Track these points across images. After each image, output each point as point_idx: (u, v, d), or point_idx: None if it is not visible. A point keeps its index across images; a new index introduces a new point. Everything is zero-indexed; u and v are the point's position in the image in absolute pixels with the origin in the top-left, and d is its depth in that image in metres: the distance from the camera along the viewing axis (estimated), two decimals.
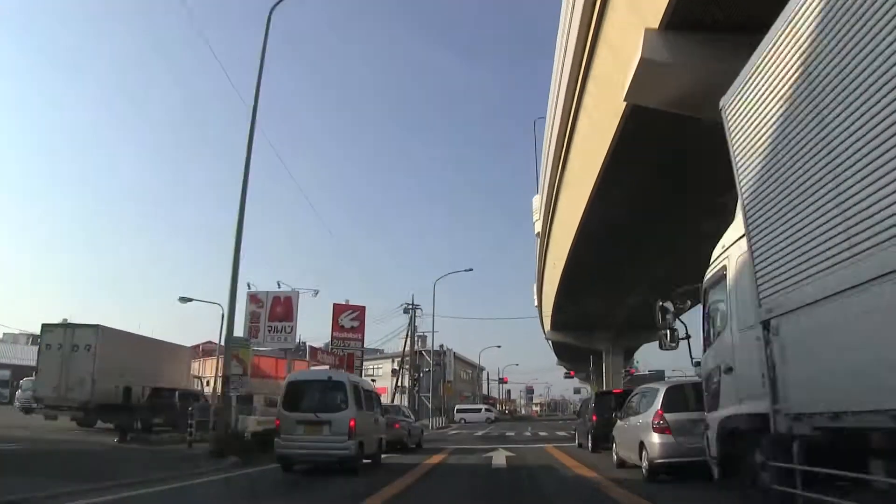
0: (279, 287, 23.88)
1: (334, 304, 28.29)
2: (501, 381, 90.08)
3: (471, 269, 63.96)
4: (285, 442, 10.88)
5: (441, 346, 63.29)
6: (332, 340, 28.02)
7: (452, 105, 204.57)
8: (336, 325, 27.83)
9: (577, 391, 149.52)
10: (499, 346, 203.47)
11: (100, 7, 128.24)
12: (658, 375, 57.92)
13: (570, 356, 77.54)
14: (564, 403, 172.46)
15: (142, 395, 20.09)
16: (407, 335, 42.83)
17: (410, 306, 40.78)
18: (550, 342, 72.32)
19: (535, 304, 64.44)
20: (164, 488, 8.90)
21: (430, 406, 57.41)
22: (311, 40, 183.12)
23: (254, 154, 14.91)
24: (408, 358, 43.35)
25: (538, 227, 44.28)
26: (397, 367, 46.91)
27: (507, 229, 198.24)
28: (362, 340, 29.34)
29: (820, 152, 4.59)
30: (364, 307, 29.32)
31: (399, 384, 45.81)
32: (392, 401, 48.61)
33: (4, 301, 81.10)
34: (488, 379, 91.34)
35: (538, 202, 41.52)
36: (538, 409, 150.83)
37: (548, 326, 59.45)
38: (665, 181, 20.78)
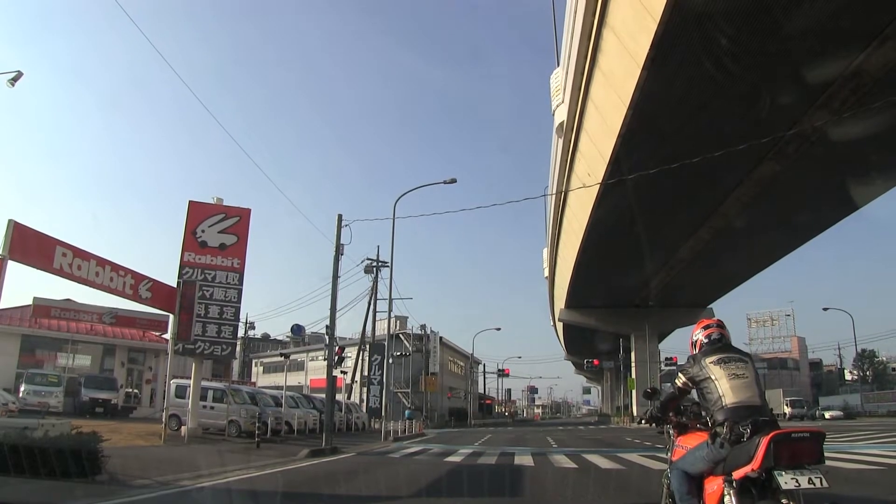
0: None
1: (191, 203, 17.61)
2: (502, 373, 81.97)
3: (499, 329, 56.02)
4: None
5: (424, 326, 55.46)
6: (181, 267, 17.16)
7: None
8: (191, 241, 17.40)
9: (586, 391, 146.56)
10: (498, 329, 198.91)
11: None
12: None
13: (584, 347, 70.48)
14: (567, 406, 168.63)
15: None
16: (368, 305, 35.05)
17: (374, 263, 32.93)
18: (561, 329, 65.15)
19: (546, 274, 57.12)
20: None
21: (408, 405, 49.92)
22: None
23: None
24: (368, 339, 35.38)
25: (553, 177, 36.76)
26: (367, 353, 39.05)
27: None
28: (241, 270, 17.95)
29: None
30: (248, 211, 18.34)
31: (362, 373, 38.20)
32: (349, 395, 41.32)
33: None
34: (485, 372, 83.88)
35: (556, 142, 33.93)
36: (540, 411, 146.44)
37: (561, 304, 52.05)
38: None
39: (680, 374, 4.25)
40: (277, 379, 48.76)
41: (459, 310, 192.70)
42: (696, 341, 4.32)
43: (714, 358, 3.96)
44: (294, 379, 57.46)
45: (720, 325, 4.32)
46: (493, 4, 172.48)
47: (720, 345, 4.15)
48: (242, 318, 45.78)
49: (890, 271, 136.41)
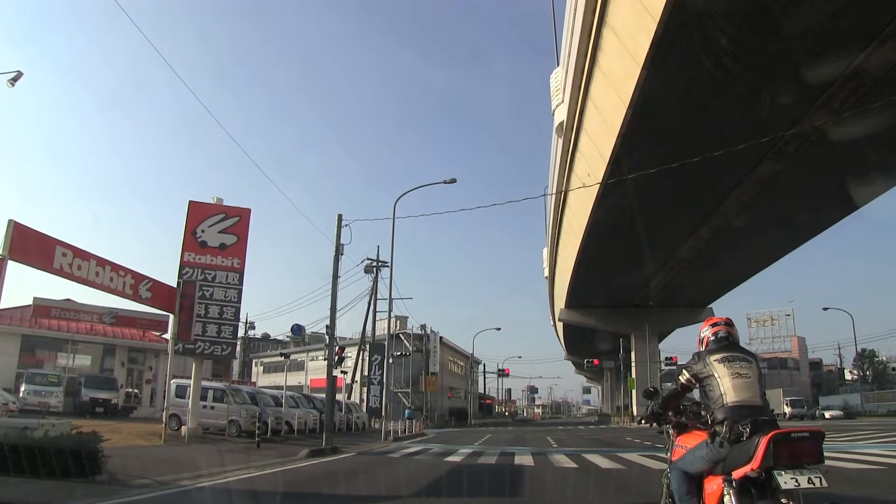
0: None
1: (191, 203, 17.61)
2: (502, 372, 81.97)
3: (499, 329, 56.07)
4: None
5: (424, 326, 55.45)
6: (181, 267, 17.16)
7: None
8: (191, 241, 17.42)
9: (586, 391, 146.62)
10: (498, 329, 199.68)
11: None
12: None
13: (585, 346, 70.47)
14: (567, 406, 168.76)
15: None
16: (368, 305, 35.09)
17: (374, 263, 32.94)
18: (561, 328, 65.16)
19: (546, 274, 57.14)
20: None
21: (409, 405, 49.92)
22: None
23: None
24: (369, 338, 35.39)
25: (553, 176, 36.80)
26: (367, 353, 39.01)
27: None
28: (241, 270, 17.98)
29: None
30: (248, 211, 18.34)
31: (362, 373, 38.21)
32: (349, 395, 41.32)
33: None
34: (485, 372, 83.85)
35: (556, 141, 33.92)
36: (540, 411, 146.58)
37: (561, 304, 52.06)
38: None
39: (684, 371, 4.26)
40: (277, 379, 48.77)
41: (459, 310, 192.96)
42: (703, 338, 4.33)
43: (719, 356, 3.98)
44: (294, 379, 57.46)
45: (728, 323, 4.33)
46: (493, 4, 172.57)
47: (726, 343, 4.16)
48: (242, 317, 45.80)
49: (890, 271, 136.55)
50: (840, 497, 6.41)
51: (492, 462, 14.17)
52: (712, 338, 4.24)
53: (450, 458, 15.14)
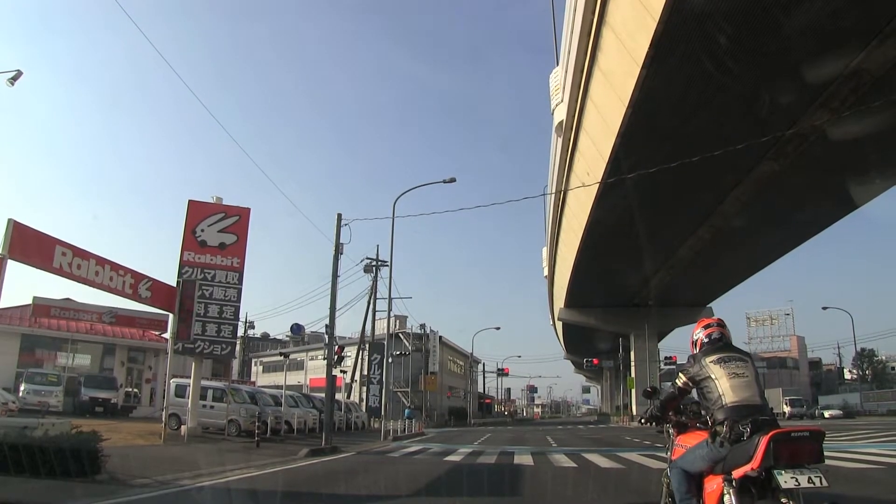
0: None
1: (191, 202, 17.55)
2: (502, 372, 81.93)
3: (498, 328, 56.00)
4: None
5: (423, 325, 55.46)
6: (180, 266, 17.11)
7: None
8: (190, 240, 17.40)
9: (585, 390, 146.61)
10: (498, 328, 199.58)
11: None
12: None
13: (584, 346, 70.46)
14: (567, 405, 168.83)
15: None
16: (368, 304, 35.12)
17: (373, 262, 32.95)
18: (560, 328, 65.15)
19: (545, 273, 57.16)
20: None
21: (408, 404, 49.87)
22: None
23: None
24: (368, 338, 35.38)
25: (552, 174, 36.78)
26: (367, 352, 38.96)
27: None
28: (241, 269, 17.94)
29: None
30: (248, 210, 18.27)
31: (362, 372, 38.22)
32: (349, 395, 41.33)
33: None
34: (484, 371, 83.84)
35: (555, 140, 33.88)
36: (540, 410, 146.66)
37: (560, 303, 52.06)
38: None
39: (680, 374, 4.26)
40: (277, 378, 48.75)
41: (459, 309, 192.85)
42: (696, 340, 4.33)
43: (714, 357, 3.98)
44: (294, 378, 57.44)
45: (720, 324, 4.34)
46: (493, 4, 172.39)
47: (720, 344, 4.16)
48: (242, 317, 45.85)
49: (890, 271, 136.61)
50: (840, 497, 6.41)
51: (491, 461, 14.17)
52: (706, 339, 4.24)
53: (449, 458, 15.14)
